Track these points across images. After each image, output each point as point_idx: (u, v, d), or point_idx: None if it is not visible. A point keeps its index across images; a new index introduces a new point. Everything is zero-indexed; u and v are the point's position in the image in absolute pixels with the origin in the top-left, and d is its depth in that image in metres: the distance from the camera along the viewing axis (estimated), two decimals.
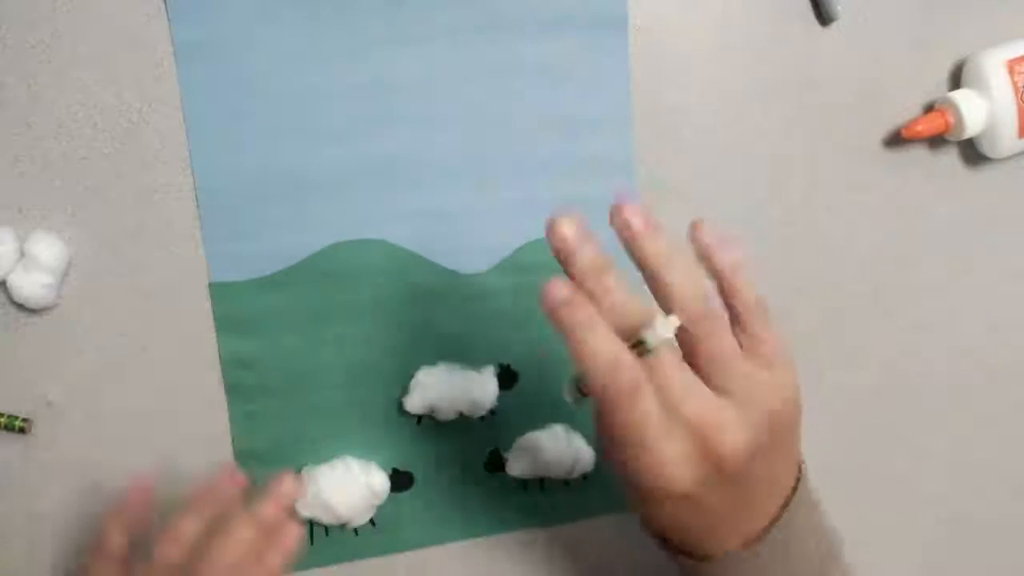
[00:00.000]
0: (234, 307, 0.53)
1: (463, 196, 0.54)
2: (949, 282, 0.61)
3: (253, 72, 0.51)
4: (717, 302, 0.38)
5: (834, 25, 0.57)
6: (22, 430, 0.51)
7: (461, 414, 0.55)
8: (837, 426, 0.61)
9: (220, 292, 0.53)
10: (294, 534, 0.46)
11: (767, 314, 0.39)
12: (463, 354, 0.55)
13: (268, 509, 0.46)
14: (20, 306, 0.50)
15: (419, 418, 0.55)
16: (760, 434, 0.37)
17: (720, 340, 0.37)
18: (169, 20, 0.50)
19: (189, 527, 0.45)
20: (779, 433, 0.39)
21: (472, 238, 0.54)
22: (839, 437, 0.61)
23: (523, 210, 0.55)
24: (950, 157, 0.60)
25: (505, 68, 0.54)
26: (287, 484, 0.47)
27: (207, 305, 0.53)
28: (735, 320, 0.39)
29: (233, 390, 0.54)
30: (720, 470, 0.37)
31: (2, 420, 0.51)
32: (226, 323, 0.53)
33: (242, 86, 0.51)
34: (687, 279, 0.37)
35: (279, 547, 0.46)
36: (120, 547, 0.46)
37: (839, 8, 0.56)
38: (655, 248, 0.37)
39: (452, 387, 0.54)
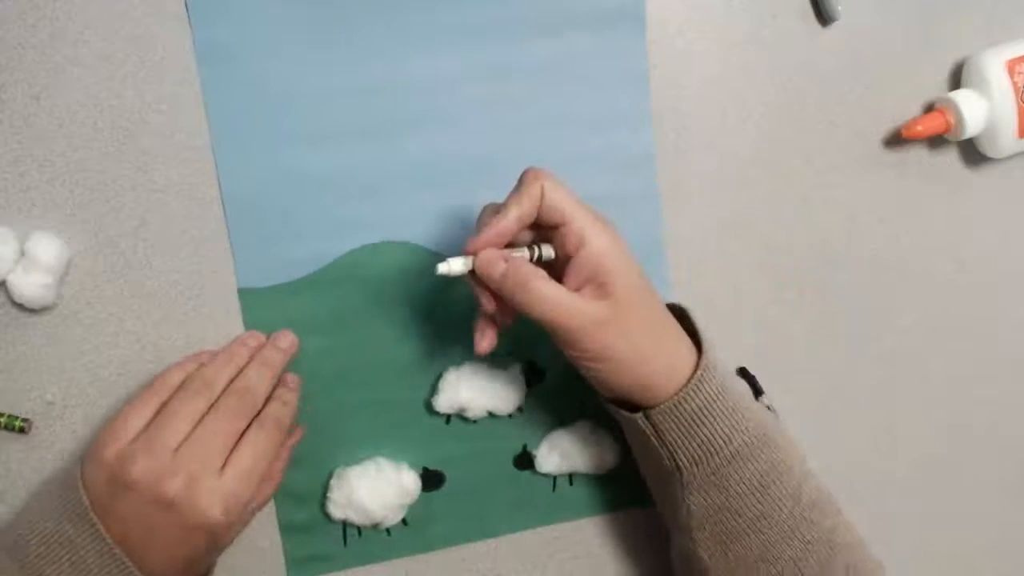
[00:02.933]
0: (263, 313, 0.53)
1: (486, 196, 0.54)
2: (949, 282, 0.61)
3: (276, 76, 0.52)
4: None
5: (834, 25, 0.57)
6: (22, 430, 0.51)
7: (489, 412, 0.55)
8: (836, 425, 0.61)
9: (249, 298, 0.53)
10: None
11: None
12: (490, 353, 0.55)
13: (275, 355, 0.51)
14: (20, 306, 0.50)
15: (448, 417, 0.56)
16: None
17: None
18: (191, 24, 0.51)
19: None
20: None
21: None
22: (838, 436, 0.61)
23: None
24: (950, 157, 0.61)
25: (525, 66, 0.54)
26: (286, 338, 0.52)
27: (209, 304, 0.53)
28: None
29: None
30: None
31: (2, 420, 0.51)
32: (254, 328, 0.53)
33: (265, 90, 0.52)
34: None
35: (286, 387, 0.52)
36: (171, 388, 0.48)
37: (839, 8, 0.56)
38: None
39: (480, 386, 0.54)
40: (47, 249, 0.49)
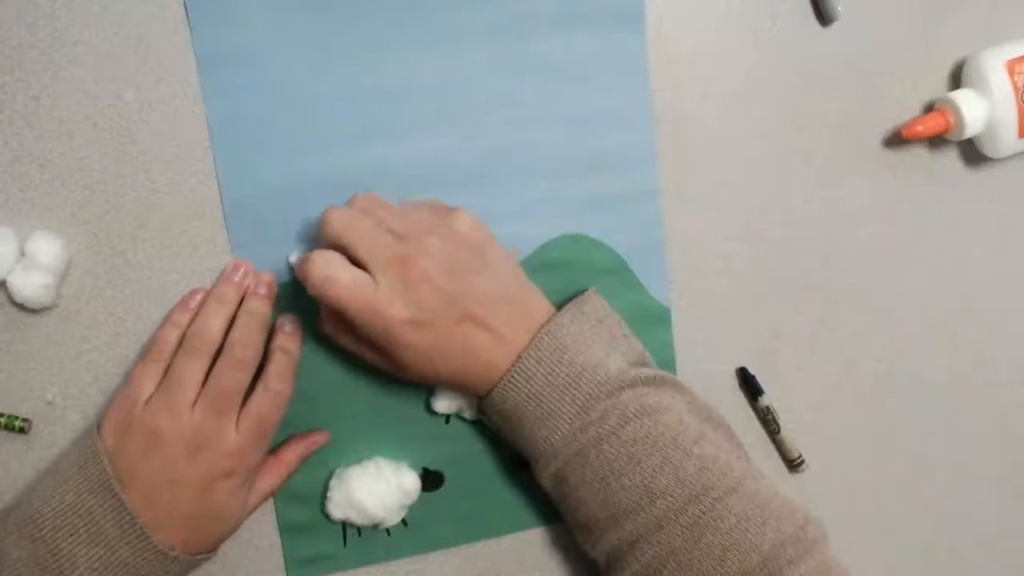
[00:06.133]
0: None
1: (486, 195, 0.54)
2: (949, 282, 0.61)
3: (276, 77, 0.52)
4: None
5: (834, 25, 0.57)
6: (22, 430, 0.51)
7: None
8: (836, 425, 0.61)
9: None
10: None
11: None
12: None
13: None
14: (20, 306, 0.50)
15: (448, 417, 0.56)
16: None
17: None
18: (191, 29, 0.51)
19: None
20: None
21: (496, 237, 0.54)
22: (839, 436, 0.61)
23: (546, 208, 0.55)
24: (950, 157, 0.61)
25: (525, 67, 0.54)
26: (264, 283, 0.52)
27: None
28: None
29: None
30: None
31: (2, 420, 0.51)
32: None
33: (265, 91, 0.52)
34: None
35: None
36: (172, 346, 0.50)
37: (839, 8, 0.56)
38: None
39: None
40: (47, 249, 0.49)
